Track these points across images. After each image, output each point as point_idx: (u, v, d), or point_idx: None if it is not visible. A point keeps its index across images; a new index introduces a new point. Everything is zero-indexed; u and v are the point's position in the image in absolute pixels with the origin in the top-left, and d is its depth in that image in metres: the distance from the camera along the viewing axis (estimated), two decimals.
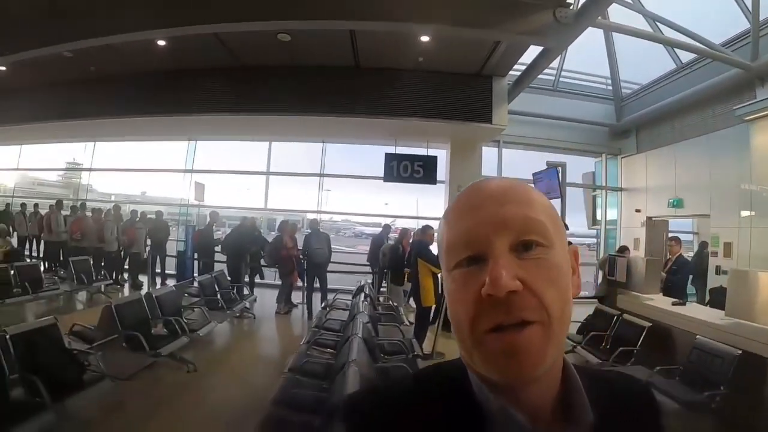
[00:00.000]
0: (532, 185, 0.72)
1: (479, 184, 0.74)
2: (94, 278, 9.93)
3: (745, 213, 9.00)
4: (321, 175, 13.95)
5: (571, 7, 7.39)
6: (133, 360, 5.16)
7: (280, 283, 10.65)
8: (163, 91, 10.92)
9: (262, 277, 11.88)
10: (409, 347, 5.83)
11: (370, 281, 9.90)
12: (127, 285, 11.88)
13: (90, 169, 15.70)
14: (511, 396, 0.68)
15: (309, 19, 7.64)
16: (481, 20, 7.55)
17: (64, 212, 12.80)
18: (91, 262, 10.20)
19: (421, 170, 11.25)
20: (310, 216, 13.39)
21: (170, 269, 12.85)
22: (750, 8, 8.64)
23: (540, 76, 10.47)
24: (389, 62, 10.11)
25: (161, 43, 9.14)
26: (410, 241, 9.26)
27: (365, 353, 4.57)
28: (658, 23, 9.73)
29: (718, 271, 9.43)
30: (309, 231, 10.76)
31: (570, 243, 0.77)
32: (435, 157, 11.51)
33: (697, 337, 5.30)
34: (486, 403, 0.70)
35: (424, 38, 8.76)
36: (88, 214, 12.53)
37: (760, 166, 8.23)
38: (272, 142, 14.07)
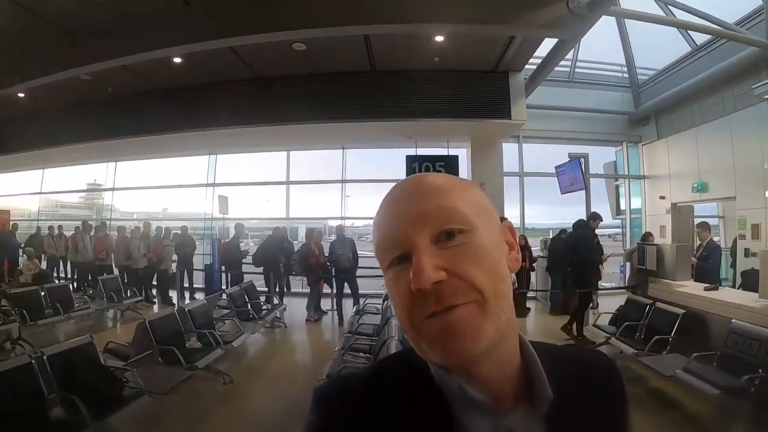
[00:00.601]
0: (466, 178, 0.74)
1: (398, 185, 0.78)
2: (123, 296, 10.05)
3: None
4: (342, 182, 13.95)
5: None
6: (170, 374, 5.19)
7: (308, 291, 10.65)
8: (181, 107, 11.05)
9: (288, 288, 11.88)
10: None
11: None
12: (157, 301, 11.99)
13: (113, 189, 15.97)
14: (468, 376, 0.70)
15: (323, 26, 7.68)
16: (495, 16, 7.51)
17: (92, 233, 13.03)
18: (120, 279, 10.32)
19: (442, 170, 11.16)
20: (332, 223, 13.42)
21: (197, 283, 12.96)
22: None
23: (556, 69, 10.32)
24: (405, 64, 10.13)
25: (177, 60, 9.26)
26: None
27: None
28: (670, 6, 9.61)
29: (747, 253, 9.30)
30: (334, 237, 10.80)
31: (504, 219, 0.78)
32: (456, 157, 11.40)
33: (732, 321, 5.22)
34: (444, 385, 0.73)
35: (439, 38, 8.78)
36: (112, 233, 12.71)
37: None
38: (291, 151, 14.12)
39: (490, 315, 0.67)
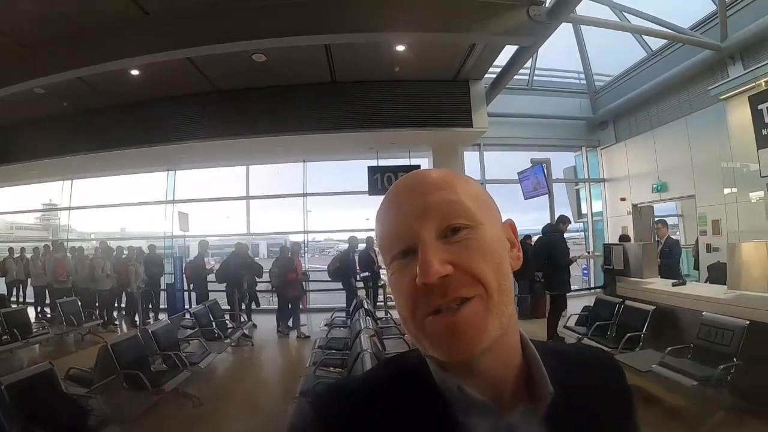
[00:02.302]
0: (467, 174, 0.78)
1: (401, 180, 0.77)
2: (83, 319, 9.67)
3: (728, 190, 9.13)
4: (304, 195, 13.84)
5: (545, 5, 7.41)
6: (137, 400, 5.03)
7: (277, 306, 10.57)
8: (138, 122, 10.71)
9: (258, 305, 11.63)
10: None
11: (360, 298, 9.83)
12: (123, 323, 11.60)
13: (69, 208, 15.29)
14: (468, 373, 0.70)
15: (283, 36, 7.55)
16: (456, 24, 7.56)
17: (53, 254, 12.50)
18: (79, 303, 9.97)
19: None
20: (293, 237, 13.34)
21: (160, 303, 12.56)
22: None
23: (515, 77, 10.51)
24: (366, 75, 10.08)
25: (134, 72, 8.97)
26: None
27: None
28: (625, 14, 9.90)
29: (709, 249, 9.60)
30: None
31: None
32: (418, 166, 11.46)
33: (703, 313, 5.38)
34: (444, 385, 0.73)
35: (400, 48, 8.77)
36: (70, 255, 12.28)
37: (738, 142, 8.32)
38: (251, 165, 13.98)
39: (494, 311, 0.68)
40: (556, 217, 9.86)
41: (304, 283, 10.76)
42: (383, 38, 8.17)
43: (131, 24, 7.52)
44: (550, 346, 0.82)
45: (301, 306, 10.67)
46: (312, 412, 0.77)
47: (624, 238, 9.65)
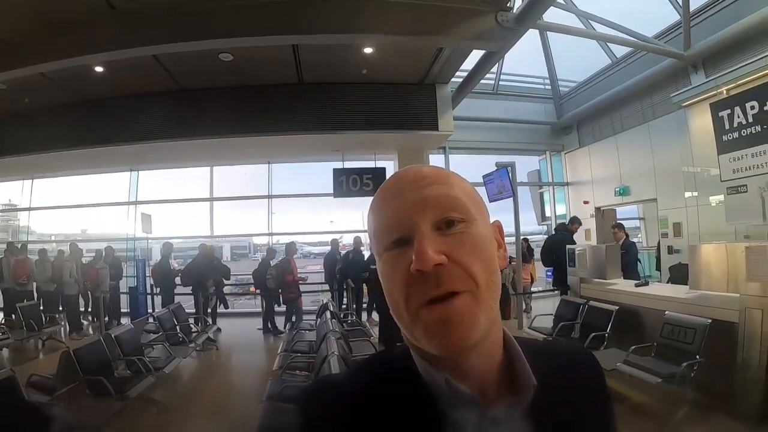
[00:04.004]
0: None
1: (400, 172, 0.80)
2: (44, 323, 9.31)
3: (689, 194, 9.46)
4: (269, 197, 13.76)
5: (513, 11, 7.56)
6: (101, 407, 4.85)
7: (264, 308, 10.60)
8: (101, 119, 10.40)
9: (226, 307, 11.52)
10: None
11: (324, 301, 9.79)
12: (90, 329, 11.19)
13: (29, 209, 14.70)
14: (455, 368, 0.72)
15: (251, 35, 7.50)
16: (425, 28, 7.64)
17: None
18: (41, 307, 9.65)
19: (370, 183, 11.25)
20: (256, 240, 13.25)
21: (122, 307, 12.14)
22: (680, 1, 9.06)
23: (481, 81, 10.69)
24: (333, 76, 10.07)
25: (98, 69, 8.69)
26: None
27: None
28: (591, 21, 10.15)
29: (671, 250, 9.91)
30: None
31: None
32: (383, 169, 11.60)
33: (666, 313, 5.52)
34: (431, 380, 0.74)
35: (368, 50, 8.79)
36: (32, 256, 11.81)
37: (699, 148, 8.60)
38: (216, 166, 13.83)
39: (483, 305, 0.69)
40: (557, 220, 10.16)
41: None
42: (351, 40, 8.18)
43: (97, 19, 7.34)
44: (530, 342, 0.84)
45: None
46: (296, 410, 0.78)
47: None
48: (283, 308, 10.72)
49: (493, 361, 0.76)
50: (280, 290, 10.43)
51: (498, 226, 0.82)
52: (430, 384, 0.74)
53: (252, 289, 12.10)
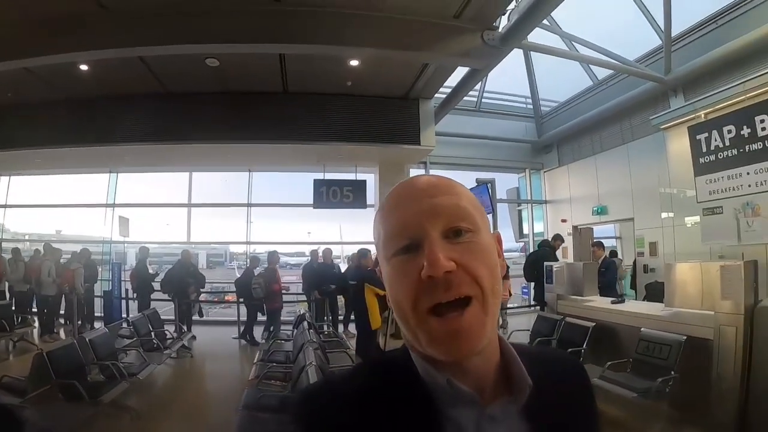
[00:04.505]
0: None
1: (410, 180, 0.82)
2: (15, 324, 9.07)
3: (665, 214, 9.66)
4: (248, 205, 13.66)
5: (498, 30, 7.67)
6: (73, 411, 4.78)
7: (246, 317, 10.54)
8: (84, 119, 10.18)
9: (201, 315, 11.35)
10: None
11: (301, 311, 9.74)
12: (62, 331, 10.89)
13: (5, 206, 14.07)
14: (456, 370, 0.74)
15: (238, 42, 7.49)
16: (412, 43, 7.68)
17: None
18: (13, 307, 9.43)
19: (350, 195, 11.31)
20: (233, 248, 13.17)
21: (96, 311, 11.89)
22: (662, 26, 9.28)
23: (464, 98, 10.83)
24: (318, 87, 10.07)
25: (84, 67, 8.58)
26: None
27: None
28: (574, 43, 10.39)
29: (646, 269, 10.04)
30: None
31: None
32: (364, 181, 11.68)
33: (642, 329, 5.61)
34: (431, 381, 0.76)
35: (354, 62, 8.84)
36: (5, 255, 11.56)
37: (676, 170, 8.80)
38: (195, 171, 13.66)
39: (489, 311, 0.73)
40: (534, 237, 10.28)
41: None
42: (338, 52, 8.21)
43: (86, 17, 7.22)
44: (522, 347, 0.86)
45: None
46: (294, 411, 0.79)
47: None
48: (263, 318, 10.60)
49: (491, 363, 0.79)
50: (264, 299, 10.32)
51: (498, 237, 0.85)
52: (430, 384, 0.76)
53: (229, 297, 11.99)
